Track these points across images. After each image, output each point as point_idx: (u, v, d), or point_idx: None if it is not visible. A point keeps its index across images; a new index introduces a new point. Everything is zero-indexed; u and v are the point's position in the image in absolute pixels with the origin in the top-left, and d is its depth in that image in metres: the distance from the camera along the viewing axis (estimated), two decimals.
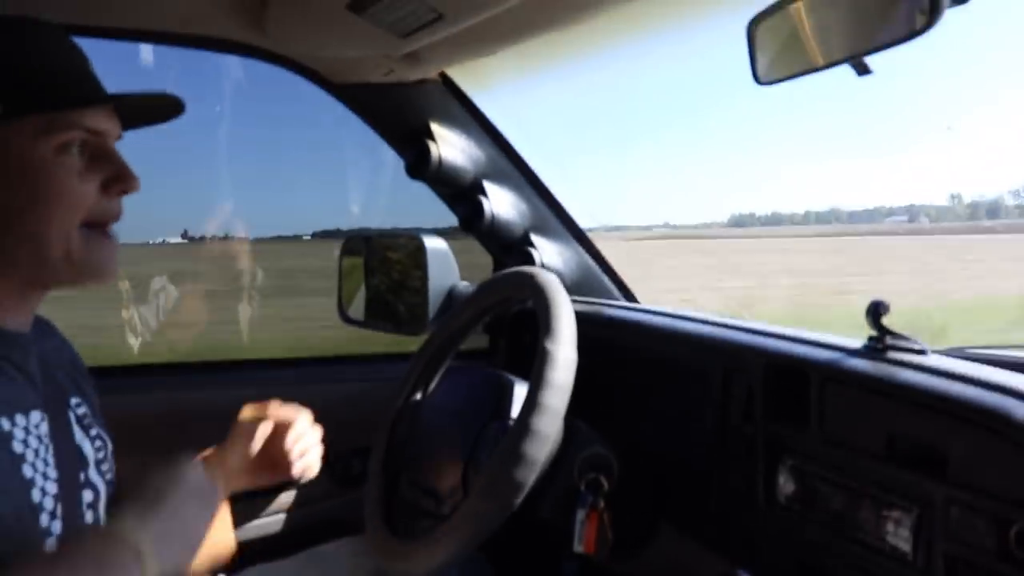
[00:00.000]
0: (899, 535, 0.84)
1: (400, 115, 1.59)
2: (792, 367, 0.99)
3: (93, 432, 0.98)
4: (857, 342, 0.98)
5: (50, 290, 0.95)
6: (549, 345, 1.01)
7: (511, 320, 1.60)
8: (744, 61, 0.95)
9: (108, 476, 0.98)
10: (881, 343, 0.94)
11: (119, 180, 0.91)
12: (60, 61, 0.90)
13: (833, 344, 1.00)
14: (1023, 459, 0.73)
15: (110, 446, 1.01)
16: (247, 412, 1.19)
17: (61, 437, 0.91)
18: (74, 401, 0.98)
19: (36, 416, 0.89)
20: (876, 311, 0.93)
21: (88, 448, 0.96)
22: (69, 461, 0.91)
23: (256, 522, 1.50)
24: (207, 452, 1.17)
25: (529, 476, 0.97)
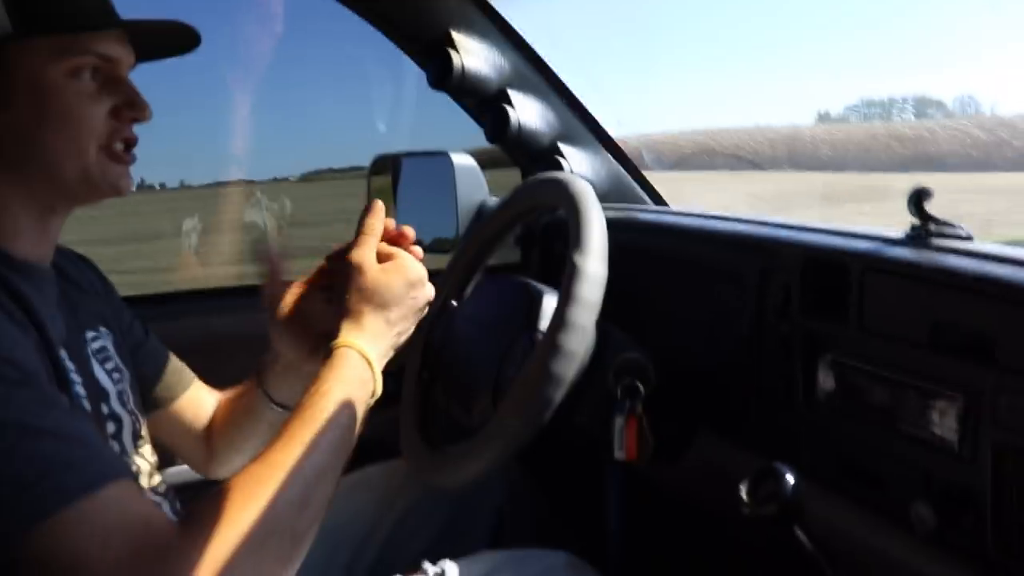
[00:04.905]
0: (945, 425, 0.82)
1: (419, 25, 1.54)
2: (830, 260, 0.96)
3: (109, 365, 0.99)
4: (899, 232, 0.94)
5: (68, 213, 0.94)
6: (578, 259, 0.99)
7: (542, 231, 1.58)
8: None
9: (129, 406, 0.99)
10: (924, 230, 0.90)
11: (130, 107, 0.91)
12: None
13: (873, 235, 0.96)
14: None
15: (128, 377, 1.02)
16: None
17: (83, 371, 0.92)
18: (90, 335, 0.98)
19: (63, 352, 0.89)
20: (918, 198, 0.89)
21: (107, 381, 0.97)
22: (91, 394, 0.92)
23: None
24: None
25: (557, 394, 0.95)
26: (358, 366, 0.88)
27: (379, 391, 0.89)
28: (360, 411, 0.86)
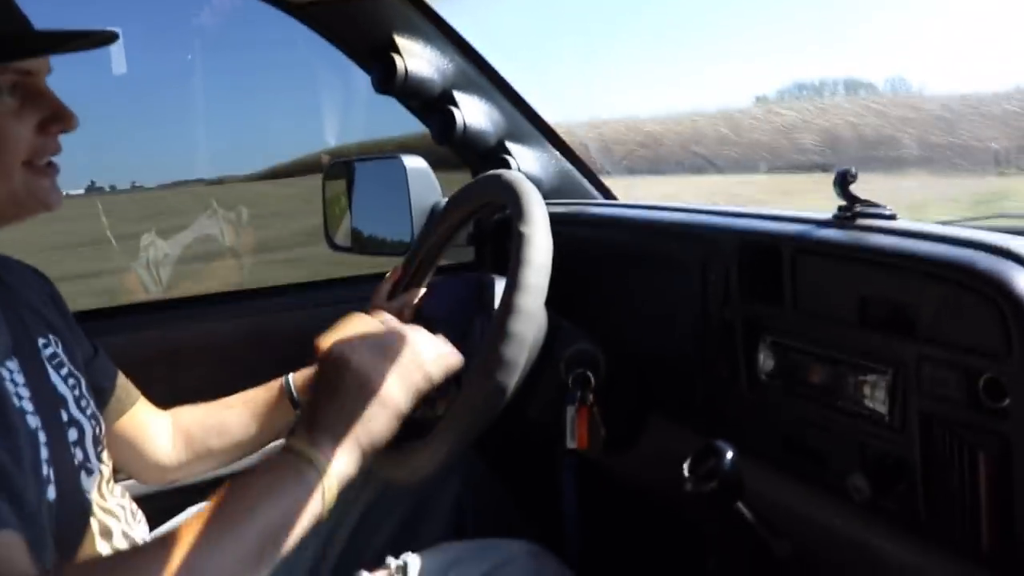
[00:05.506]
0: (875, 398, 0.85)
1: (363, 31, 1.56)
2: (764, 244, 0.99)
3: (64, 371, 0.99)
4: (827, 213, 0.97)
5: None
6: (524, 228, 1.00)
7: (494, 229, 1.60)
8: None
9: (88, 411, 0.99)
10: (850, 211, 0.93)
11: (56, 119, 0.91)
12: None
13: (803, 217, 1.00)
14: (988, 310, 0.73)
15: (83, 383, 1.02)
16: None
17: (37, 380, 0.92)
18: (41, 342, 0.98)
19: (11, 364, 0.90)
20: (844, 180, 0.92)
21: (63, 387, 0.97)
22: (49, 403, 0.92)
23: (248, 460, 1.49)
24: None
25: (520, 354, 0.95)
26: (292, 475, 0.77)
27: (329, 502, 0.79)
28: (287, 520, 0.77)
